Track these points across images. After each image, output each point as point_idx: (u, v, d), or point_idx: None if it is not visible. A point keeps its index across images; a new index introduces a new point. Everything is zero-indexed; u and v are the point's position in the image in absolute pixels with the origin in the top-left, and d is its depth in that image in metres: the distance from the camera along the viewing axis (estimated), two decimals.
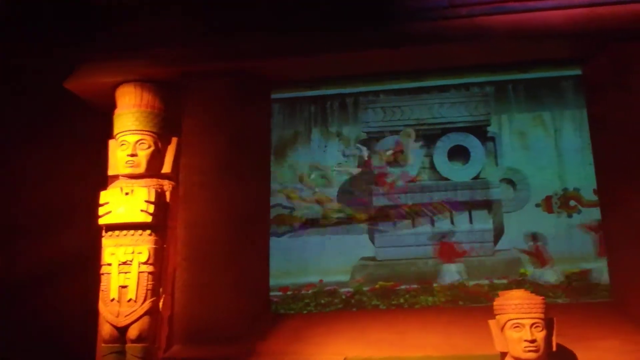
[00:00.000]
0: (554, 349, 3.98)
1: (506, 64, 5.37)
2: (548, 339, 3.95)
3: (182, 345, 4.94)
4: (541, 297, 4.06)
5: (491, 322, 4.14)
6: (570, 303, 4.96)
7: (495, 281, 5.05)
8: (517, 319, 3.96)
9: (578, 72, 5.30)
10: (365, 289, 5.28)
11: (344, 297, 5.29)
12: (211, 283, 4.96)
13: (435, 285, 5.18)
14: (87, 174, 5.67)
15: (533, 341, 3.86)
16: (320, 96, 5.72)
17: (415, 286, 5.19)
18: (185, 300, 5.01)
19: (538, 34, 4.87)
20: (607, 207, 4.98)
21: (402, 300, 5.18)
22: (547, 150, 5.25)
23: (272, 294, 5.32)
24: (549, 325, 4.03)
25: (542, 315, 3.97)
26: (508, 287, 4.88)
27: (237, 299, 4.98)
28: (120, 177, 5.29)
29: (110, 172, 5.33)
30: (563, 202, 5.16)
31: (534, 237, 5.15)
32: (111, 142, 5.33)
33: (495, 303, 4.14)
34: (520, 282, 5.02)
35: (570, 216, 5.13)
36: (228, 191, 5.13)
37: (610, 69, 5.00)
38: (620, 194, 4.83)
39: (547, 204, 5.19)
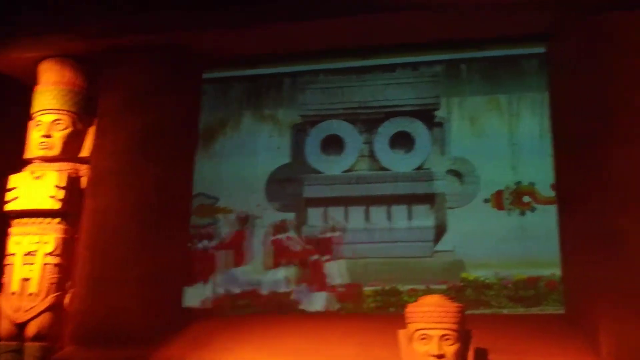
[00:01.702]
0: None
1: (460, 41, 4.77)
2: (461, 353, 3.35)
3: (77, 346, 4.49)
4: (456, 305, 3.46)
5: (401, 332, 3.56)
6: (517, 314, 4.32)
7: (433, 286, 4.43)
8: (425, 329, 3.39)
9: (541, 49, 4.65)
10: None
11: (264, 300, 4.75)
12: (115, 277, 4.50)
13: (365, 289, 4.60)
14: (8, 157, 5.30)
15: (440, 356, 3.28)
16: (254, 75, 5.21)
17: (342, 290, 4.62)
18: (84, 294, 4.56)
19: (497, 2, 4.30)
20: (565, 205, 4.32)
21: None
22: (501, 139, 4.61)
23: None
24: (464, 337, 3.44)
25: (455, 326, 3.38)
26: (447, 293, 4.26)
27: (145, 297, 4.50)
28: (34, 160, 4.95)
29: (26, 155, 5.00)
30: (516, 197, 4.51)
31: None
32: (30, 123, 5.01)
33: (406, 310, 3.57)
34: (460, 288, 4.41)
35: (523, 214, 4.49)
36: (142, 178, 4.67)
37: (578, 47, 4.37)
38: (580, 190, 4.19)
39: (498, 200, 4.55)
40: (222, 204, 4.99)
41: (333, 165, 4.88)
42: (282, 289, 4.68)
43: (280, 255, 4.73)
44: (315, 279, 4.62)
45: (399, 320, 3.71)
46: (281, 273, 4.71)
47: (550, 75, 4.56)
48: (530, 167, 4.50)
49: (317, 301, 4.59)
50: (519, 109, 4.63)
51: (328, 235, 4.68)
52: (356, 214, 4.74)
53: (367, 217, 4.73)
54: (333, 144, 4.94)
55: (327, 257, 4.64)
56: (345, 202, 4.78)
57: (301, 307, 4.63)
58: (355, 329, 4.29)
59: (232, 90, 5.22)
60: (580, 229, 4.13)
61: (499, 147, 4.59)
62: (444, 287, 4.42)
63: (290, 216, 4.85)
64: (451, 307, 3.45)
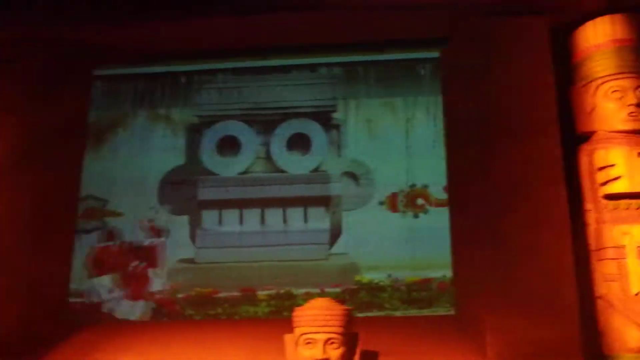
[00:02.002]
0: None
1: (359, 43, 4.78)
2: (347, 357, 3.30)
3: None
4: (343, 308, 3.41)
5: (287, 337, 3.47)
6: (409, 316, 4.33)
7: (328, 289, 4.39)
8: (310, 333, 3.31)
9: (436, 54, 4.73)
10: (179, 295, 4.55)
11: (154, 305, 4.55)
12: None
13: (259, 293, 4.49)
14: None
15: None
16: (149, 73, 5.02)
17: (236, 294, 4.50)
18: None
19: (393, 5, 4.33)
20: (456, 207, 4.39)
21: (220, 310, 4.47)
22: (397, 141, 4.64)
23: (74, 300, 4.54)
24: (350, 341, 3.39)
25: (340, 330, 3.32)
26: (341, 296, 4.23)
27: (20, 306, 4.21)
28: None
29: None
30: (410, 200, 4.55)
31: None
32: None
33: (293, 314, 3.49)
34: (355, 291, 4.38)
35: (416, 216, 4.53)
36: (18, 181, 4.37)
37: (468, 52, 4.47)
38: (470, 193, 4.26)
39: (392, 202, 4.57)
40: (112, 207, 4.74)
41: (228, 167, 4.77)
42: (101, 298, 4.47)
43: (101, 263, 4.52)
44: (134, 287, 4.46)
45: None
46: (103, 281, 4.51)
47: (444, 80, 4.64)
48: (424, 170, 4.55)
49: (134, 310, 4.42)
50: (414, 113, 4.68)
51: (152, 242, 4.53)
52: (251, 216, 4.62)
53: (262, 220, 4.63)
54: (229, 145, 4.82)
55: (144, 264, 4.49)
56: (241, 204, 4.67)
57: (117, 315, 4.42)
58: (247, 334, 4.17)
59: (125, 88, 5.00)
60: (470, 231, 4.20)
61: (395, 150, 4.62)
62: (338, 290, 4.38)
63: (120, 223, 4.61)
64: (337, 310, 3.39)
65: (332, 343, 3.29)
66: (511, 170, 4.09)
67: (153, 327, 4.36)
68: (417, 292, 4.34)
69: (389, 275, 4.38)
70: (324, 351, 3.23)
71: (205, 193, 4.72)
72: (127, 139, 4.87)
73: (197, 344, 4.10)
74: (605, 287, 4.07)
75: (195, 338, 4.16)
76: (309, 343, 3.30)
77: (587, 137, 4.36)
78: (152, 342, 4.16)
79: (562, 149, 4.31)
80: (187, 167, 4.79)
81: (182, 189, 4.72)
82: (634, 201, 4.09)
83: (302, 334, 3.34)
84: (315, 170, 4.69)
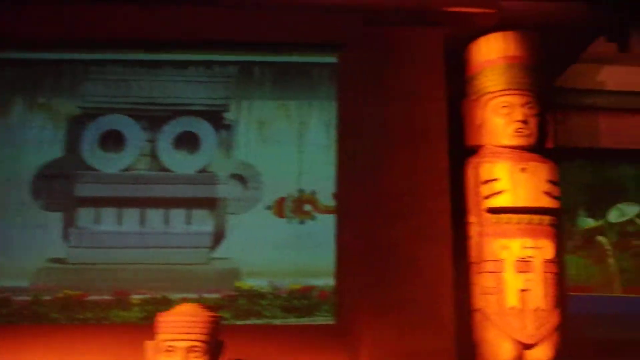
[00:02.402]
0: None
1: (256, 43, 4.66)
2: None
3: None
4: (208, 315, 3.27)
5: (148, 344, 3.30)
6: (288, 325, 4.23)
7: (206, 295, 4.23)
8: (171, 340, 3.16)
9: (333, 59, 4.68)
10: (46, 298, 4.27)
11: (16, 307, 4.25)
12: None
13: (132, 297, 4.27)
14: None
15: None
16: (29, 60, 4.72)
17: (108, 298, 4.26)
18: None
19: (291, 6, 4.25)
20: (343, 215, 4.34)
21: (89, 315, 4.22)
22: (288, 145, 4.54)
23: None
24: (215, 349, 3.26)
25: (204, 337, 3.19)
26: (219, 302, 4.08)
27: None
28: None
29: None
30: (297, 205, 4.46)
31: None
32: None
33: (156, 319, 3.32)
34: (234, 298, 4.24)
35: (302, 222, 4.44)
36: None
37: (364, 59, 4.44)
38: (358, 201, 4.22)
39: (279, 207, 4.46)
40: None
41: (110, 163, 4.53)
42: None
43: None
44: None
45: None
46: None
47: (339, 86, 4.59)
48: (314, 176, 4.47)
49: None
50: (308, 117, 4.60)
51: None
52: (131, 216, 4.41)
53: (142, 220, 4.42)
54: (112, 140, 4.59)
55: None
56: (120, 203, 4.44)
57: None
58: (115, 340, 3.95)
59: (2, 74, 4.67)
60: (354, 239, 4.17)
61: (286, 154, 4.52)
62: (217, 296, 4.22)
63: None
64: (202, 317, 3.25)
65: (195, 351, 3.15)
66: (398, 180, 4.08)
67: (10, 331, 4.06)
68: (298, 300, 4.25)
69: (271, 282, 4.26)
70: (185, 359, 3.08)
71: (83, 189, 4.46)
72: (2, 128, 4.53)
73: (57, 350, 3.84)
74: (483, 300, 4.10)
75: (58, 344, 3.90)
76: (169, 351, 3.14)
77: (476, 150, 4.42)
78: (5, 348, 3.87)
79: (454, 161, 4.36)
80: (65, 160, 4.51)
81: (57, 184, 4.44)
82: (515, 216, 4.15)
83: (163, 341, 3.18)
84: (202, 170, 4.52)
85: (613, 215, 7.01)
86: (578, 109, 6.33)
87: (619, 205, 6.98)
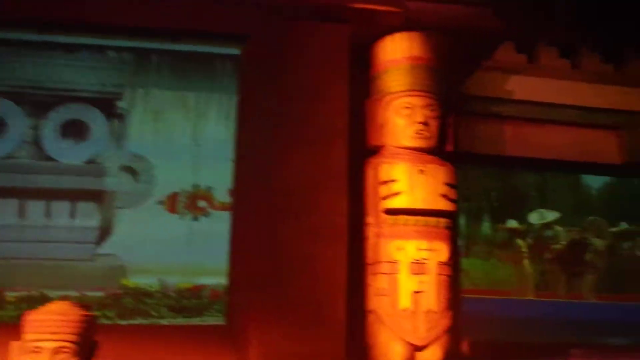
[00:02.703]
0: None
1: (154, 29, 4.44)
2: None
3: None
4: (80, 314, 3.05)
5: (14, 345, 3.05)
6: (176, 325, 4.06)
7: (89, 293, 3.99)
8: (37, 340, 2.92)
9: (236, 51, 4.53)
10: None
11: None
12: None
13: (7, 294, 3.98)
14: None
15: None
16: None
17: None
18: None
19: None
20: (239, 212, 4.20)
21: None
22: (185, 138, 4.37)
23: None
24: (87, 350, 3.04)
25: (74, 337, 2.97)
26: (103, 300, 3.85)
27: None
28: None
29: None
30: (191, 201, 4.29)
31: None
32: None
33: (22, 318, 3.07)
34: (118, 296, 4.02)
35: (196, 219, 4.27)
36: None
37: (269, 52, 4.31)
38: (254, 198, 4.09)
39: (172, 203, 4.28)
40: None
41: None
42: None
43: None
44: None
45: None
46: None
47: (241, 79, 4.45)
48: (210, 171, 4.32)
49: None
50: (207, 110, 4.44)
51: None
52: (8, 207, 4.10)
53: (21, 212, 4.12)
54: None
55: None
56: None
57: None
58: None
59: None
60: (248, 238, 4.05)
61: (181, 147, 4.35)
62: (101, 294, 3.99)
63: None
64: (71, 315, 3.04)
65: (62, 352, 2.93)
66: (296, 178, 3.99)
67: None
68: (187, 300, 4.08)
69: (159, 280, 4.07)
70: None
71: None
72: None
73: None
74: (377, 301, 4.10)
75: None
76: (35, 352, 2.92)
77: (377, 150, 4.39)
78: None
79: (356, 161, 4.30)
80: None
81: None
82: (411, 217, 4.16)
83: (29, 341, 2.94)
84: (90, 161, 4.28)
85: (533, 218, 7.20)
86: (485, 117, 6.46)
87: (540, 210, 7.18)
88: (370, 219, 4.25)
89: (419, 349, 4.02)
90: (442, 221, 4.20)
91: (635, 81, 6.73)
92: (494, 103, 6.37)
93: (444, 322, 4.07)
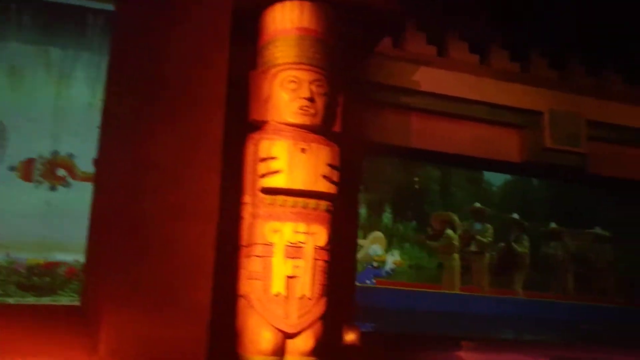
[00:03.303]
0: None
1: None
2: None
3: None
4: None
5: None
6: (26, 304, 3.68)
7: None
8: None
9: (110, 6, 4.15)
10: None
11: None
12: None
13: None
14: None
15: None
16: None
17: None
18: None
19: None
20: (101, 185, 3.86)
21: None
22: (45, 99, 4.00)
23: None
24: None
25: None
26: None
27: None
28: None
29: None
30: (49, 169, 3.91)
31: None
32: None
33: None
34: None
35: (54, 189, 3.89)
36: None
37: (146, 11, 3.98)
38: (118, 170, 3.75)
39: (27, 170, 3.90)
40: None
41: None
42: None
43: None
44: None
45: None
46: None
47: (114, 38, 4.08)
48: (73, 137, 3.95)
49: None
50: (73, 70, 4.05)
51: None
52: None
53: None
54: None
55: None
56: None
57: None
58: None
59: None
60: (110, 212, 3.72)
61: (41, 109, 3.96)
62: None
63: None
64: None
65: None
66: (165, 150, 3.72)
67: None
68: (39, 277, 3.71)
69: (7, 255, 3.67)
70: None
71: None
72: None
73: None
74: (249, 285, 3.90)
75: None
76: None
77: (260, 125, 4.13)
78: None
79: (237, 136, 4.04)
80: None
81: None
82: (290, 198, 3.97)
83: None
84: None
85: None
86: (393, 107, 6.35)
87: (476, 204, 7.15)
88: (247, 198, 4.03)
89: (290, 336, 3.82)
90: (323, 204, 4.02)
91: (539, 81, 6.80)
92: (403, 93, 6.27)
93: (318, 309, 3.91)
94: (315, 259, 3.92)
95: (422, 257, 6.92)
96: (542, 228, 7.36)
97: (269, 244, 3.88)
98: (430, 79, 6.38)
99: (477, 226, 7.18)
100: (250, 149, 4.08)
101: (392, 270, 6.47)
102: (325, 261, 3.97)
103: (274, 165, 3.93)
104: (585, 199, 7.76)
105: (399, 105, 6.32)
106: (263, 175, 3.94)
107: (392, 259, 6.44)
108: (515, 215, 7.16)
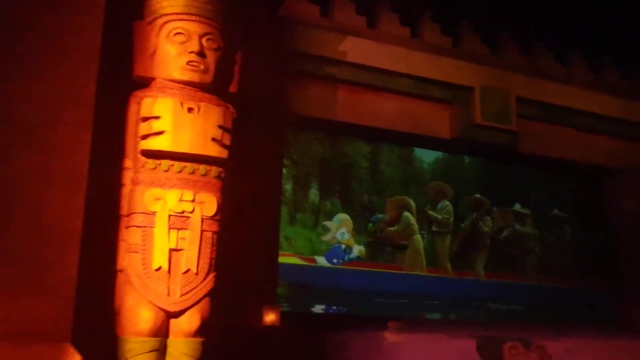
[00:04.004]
0: None
1: None
2: None
3: None
4: None
5: None
6: None
7: None
8: None
9: None
10: None
11: None
12: None
13: None
14: None
15: None
16: None
17: None
18: None
19: None
20: None
21: None
22: None
23: None
24: None
25: None
26: None
27: None
28: None
29: None
30: None
31: None
32: None
33: None
34: None
35: None
36: None
37: None
38: None
39: None
40: None
41: None
42: None
43: None
44: None
45: None
46: None
47: None
48: None
49: None
50: None
51: None
52: None
53: None
54: None
55: None
56: None
57: None
58: None
59: None
60: None
61: None
62: None
63: None
64: None
65: None
66: (27, 107, 3.20)
67: None
68: None
69: None
70: None
71: None
72: None
73: None
74: (128, 259, 3.47)
75: None
76: None
77: (146, 82, 3.68)
78: None
79: (119, 95, 3.57)
80: None
81: None
82: (176, 163, 3.53)
83: None
84: None
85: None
86: (318, 78, 5.95)
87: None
88: (127, 163, 3.60)
89: (173, 315, 3.40)
90: (213, 170, 3.61)
91: (470, 56, 6.51)
92: (329, 64, 5.88)
93: (205, 285, 3.50)
94: (203, 230, 3.51)
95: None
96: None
97: (151, 213, 3.44)
98: (358, 50, 6.01)
99: (438, 206, 6.96)
100: (132, 108, 3.62)
101: (357, 258, 6.18)
102: (215, 233, 3.55)
103: (156, 125, 3.48)
104: (515, 179, 7.53)
105: (324, 76, 5.94)
106: (144, 137, 3.49)
107: (358, 249, 6.15)
108: (478, 196, 6.96)
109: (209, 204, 3.54)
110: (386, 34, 6.29)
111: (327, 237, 6.32)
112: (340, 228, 6.42)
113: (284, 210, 6.35)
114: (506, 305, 6.91)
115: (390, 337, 5.65)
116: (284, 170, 6.32)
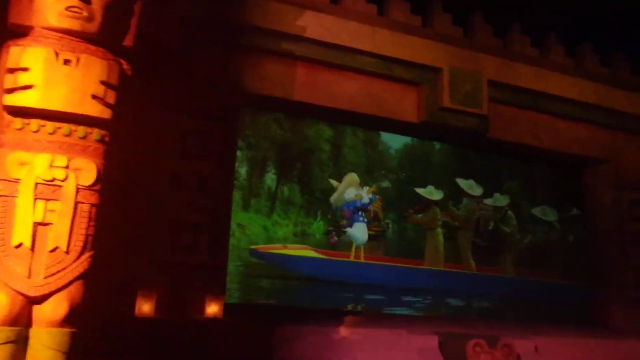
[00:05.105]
0: None
1: None
2: None
3: None
4: None
5: None
6: None
7: None
8: None
9: None
10: None
11: None
12: None
13: None
14: None
15: None
16: None
17: None
18: None
19: None
20: None
21: None
22: None
23: None
24: None
25: None
26: None
27: None
28: None
29: None
30: None
31: None
32: None
33: None
34: None
35: None
36: None
37: None
38: None
39: None
40: None
41: None
42: None
43: None
44: None
45: None
46: None
47: None
48: None
49: None
50: None
51: None
52: None
53: None
54: None
55: None
56: None
57: None
58: None
59: None
60: None
61: None
62: None
63: None
64: None
65: None
66: None
67: None
68: None
69: None
70: None
71: None
72: None
73: None
74: None
75: None
76: None
77: (23, 32, 3.05)
78: None
79: None
80: None
81: None
82: (49, 123, 2.89)
83: None
84: None
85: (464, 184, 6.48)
86: (275, 55, 5.29)
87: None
88: None
89: (35, 301, 2.77)
90: (95, 132, 2.98)
91: (440, 37, 5.84)
92: (287, 40, 5.22)
93: (77, 266, 2.87)
94: (78, 202, 2.88)
95: (308, 223, 5.91)
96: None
97: (13, 181, 2.83)
98: (319, 26, 5.35)
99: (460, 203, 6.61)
100: (2, 59, 2.99)
101: (371, 199, 5.84)
102: (94, 205, 2.93)
103: (24, 78, 2.86)
104: (489, 166, 6.88)
105: (282, 52, 5.28)
106: (10, 91, 2.87)
107: (366, 190, 5.90)
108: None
109: (87, 172, 2.91)
110: (350, 11, 5.64)
111: (334, 197, 6.09)
112: (348, 187, 6.06)
113: (237, 196, 5.75)
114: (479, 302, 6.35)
115: (343, 332, 5.05)
116: (238, 153, 5.69)
